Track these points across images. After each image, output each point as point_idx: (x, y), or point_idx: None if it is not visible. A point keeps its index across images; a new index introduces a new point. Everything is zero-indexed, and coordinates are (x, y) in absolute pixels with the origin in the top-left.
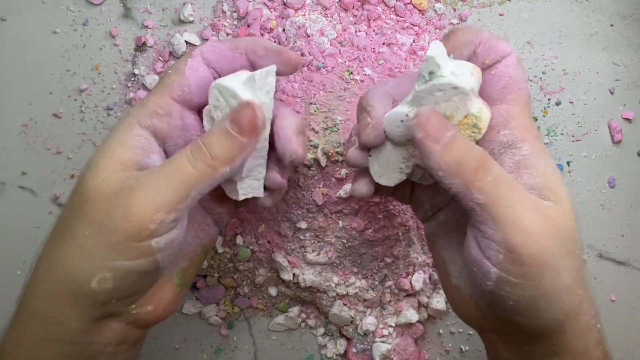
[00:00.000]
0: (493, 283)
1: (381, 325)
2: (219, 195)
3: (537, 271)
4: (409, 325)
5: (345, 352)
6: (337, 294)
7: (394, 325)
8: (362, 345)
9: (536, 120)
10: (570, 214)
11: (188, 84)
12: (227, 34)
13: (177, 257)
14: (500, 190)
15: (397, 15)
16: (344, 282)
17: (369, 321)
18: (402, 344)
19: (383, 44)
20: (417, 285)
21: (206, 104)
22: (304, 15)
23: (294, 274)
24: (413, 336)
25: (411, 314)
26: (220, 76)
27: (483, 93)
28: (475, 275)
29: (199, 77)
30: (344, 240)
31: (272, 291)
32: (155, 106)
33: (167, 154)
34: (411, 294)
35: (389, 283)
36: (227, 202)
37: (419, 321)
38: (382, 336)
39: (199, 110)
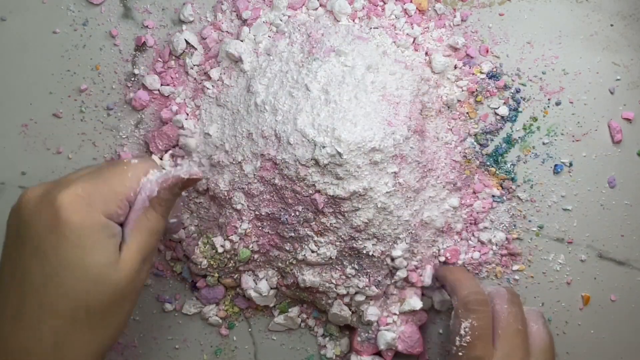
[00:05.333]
0: None
1: (385, 314)
2: None
3: None
4: (413, 312)
5: (350, 341)
6: (338, 294)
7: (397, 313)
8: (366, 335)
9: (536, 120)
10: None
11: (134, 197)
12: (228, 32)
13: None
14: None
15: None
16: (344, 283)
17: (370, 312)
18: (406, 331)
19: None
20: (427, 281)
21: None
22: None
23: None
24: (417, 323)
25: (415, 302)
26: None
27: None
28: None
29: (145, 189)
30: (345, 240)
31: (272, 292)
32: (118, 203)
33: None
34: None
35: (395, 278)
36: None
37: (423, 309)
38: (387, 324)
39: None
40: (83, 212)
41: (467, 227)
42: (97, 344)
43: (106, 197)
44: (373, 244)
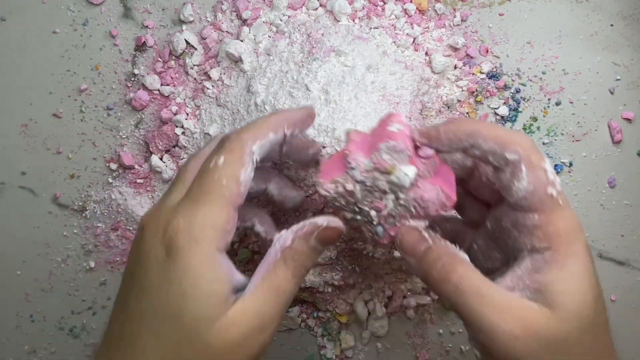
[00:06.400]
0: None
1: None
2: None
3: None
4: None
5: None
6: (337, 296)
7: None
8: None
9: (536, 120)
10: (562, 319)
11: (246, 191)
12: (228, 32)
13: None
14: (464, 298)
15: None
16: (344, 284)
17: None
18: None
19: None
20: None
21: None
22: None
23: None
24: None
25: (407, 170)
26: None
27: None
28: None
29: (249, 179)
30: (345, 240)
31: None
32: (225, 224)
33: None
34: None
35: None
36: None
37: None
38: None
39: None
40: (189, 250)
41: None
42: None
43: (215, 223)
44: (373, 245)
